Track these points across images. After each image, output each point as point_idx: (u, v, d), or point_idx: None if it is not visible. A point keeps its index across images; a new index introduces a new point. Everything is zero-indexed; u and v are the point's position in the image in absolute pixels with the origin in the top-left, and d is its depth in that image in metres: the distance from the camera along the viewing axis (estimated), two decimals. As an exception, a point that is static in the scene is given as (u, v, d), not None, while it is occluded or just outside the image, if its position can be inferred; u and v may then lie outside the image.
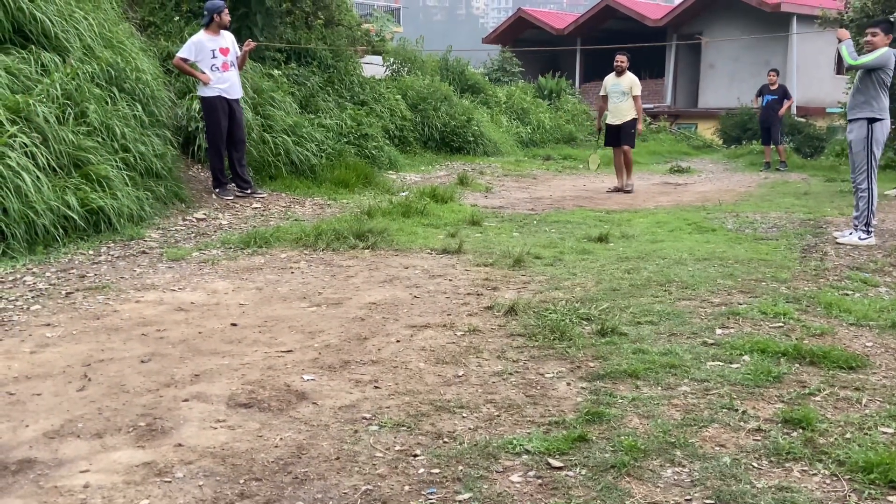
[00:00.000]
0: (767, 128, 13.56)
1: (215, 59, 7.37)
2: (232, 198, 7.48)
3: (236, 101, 7.55)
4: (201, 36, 7.44)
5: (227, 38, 7.59)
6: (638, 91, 10.10)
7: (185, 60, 7.37)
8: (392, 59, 14.82)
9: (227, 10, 7.58)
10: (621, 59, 10.09)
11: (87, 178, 5.73)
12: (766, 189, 10.37)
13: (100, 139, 6.19)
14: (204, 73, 7.31)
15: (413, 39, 16.83)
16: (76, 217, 5.41)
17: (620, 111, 10.06)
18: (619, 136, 10.16)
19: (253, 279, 4.74)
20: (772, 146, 13.67)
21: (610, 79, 10.24)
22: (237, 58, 7.60)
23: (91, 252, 5.27)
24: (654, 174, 12.99)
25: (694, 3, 25.25)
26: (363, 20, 16.92)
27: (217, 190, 7.54)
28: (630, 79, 10.06)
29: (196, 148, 8.15)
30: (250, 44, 7.86)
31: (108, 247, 5.45)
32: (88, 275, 4.73)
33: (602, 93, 10.38)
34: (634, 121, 10.09)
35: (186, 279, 4.71)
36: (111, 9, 7.71)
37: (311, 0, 11.20)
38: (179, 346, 3.50)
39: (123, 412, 2.75)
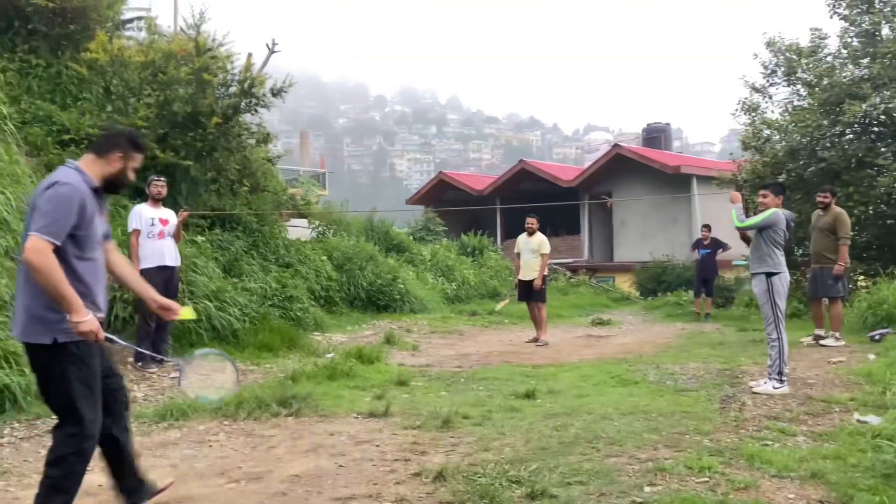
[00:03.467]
0: (704, 279, 14.23)
1: (153, 226, 7.50)
2: (156, 370, 7.24)
3: (173, 269, 7.58)
4: (142, 206, 7.64)
5: (168, 212, 7.80)
6: (546, 250, 10.78)
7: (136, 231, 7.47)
8: (317, 222, 15.12)
9: (155, 181, 7.74)
10: (531, 222, 10.90)
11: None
12: (684, 340, 10.72)
13: (8, 314, 5.97)
14: (139, 260, 7.35)
15: (338, 202, 17.32)
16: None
17: (531, 268, 10.72)
18: (530, 293, 10.72)
19: (167, 455, 4.50)
20: (701, 298, 14.29)
21: (522, 238, 11.03)
22: (174, 228, 7.70)
23: (-8, 433, 4.93)
24: (577, 327, 13.29)
25: (601, 167, 27.14)
26: (289, 185, 17.39)
27: (139, 363, 7.31)
28: (539, 239, 10.79)
29: (113, 318, 7.94)
30: (183, 213, 8.00)
31: (12, 427, 5.12)
32: (-13, 458, 4.40)
33: (516, 250, 11.14)
34: (545, 278, 10.76)
35: (95, 460, 4.43)
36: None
37: (237, 168, 11.50)
38: (84, 535, 3.24)
39: None
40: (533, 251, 10.73)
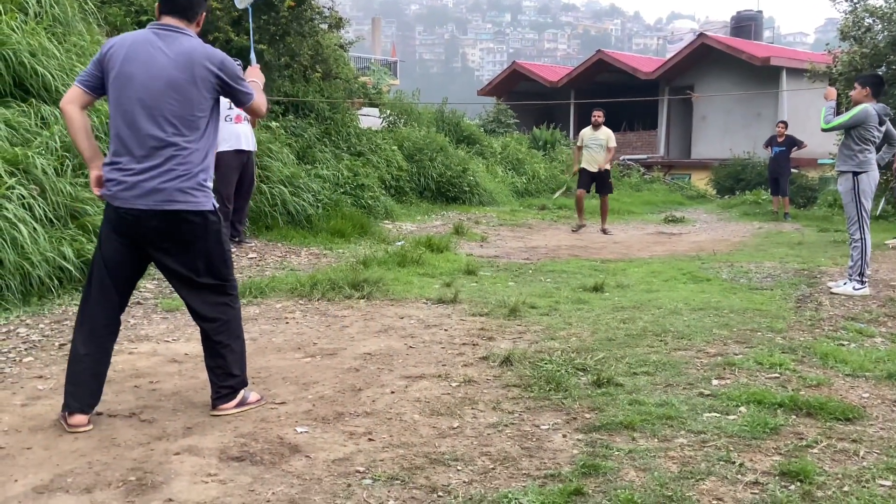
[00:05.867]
0: (776, 178, 13.67)
1: (231, 109, 7.36)
2: (234, 250, 7.50)
3: (249, 153, 7.64)
4: None
5: None
6: (614, 143, 11.03)
7: None
8: (388, 111, 15.03)
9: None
10: (598, 115, 11.01)
11: (83, 229, 5.75)
12: (760, 239, 10.44)
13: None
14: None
15: (409, 92, 17.10)
16: (72, 268, 5.41)
17: (598, 162, 10.93)
18: (592, 182, 11.15)
19: (248, 329, 4.71)
20: (779, 197, 13.79)
21: (587, 131, 11.11)
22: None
23: (86, 303, 5.25)
24: (648, 224, 13.07)
25: (685, 58, 25.77)
26: (360, 73, 17.23)
27: None
28: (606, 132, 10.95)
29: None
30: None
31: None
32: (82, 326, 4.71)
33: (579, 144, 11.29)
34: (608, 172, 11.09)
35: (180, 330, 4.70)
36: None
37: (310, 54, 11.41)
38: (172, 398, 3.47)
39: (114, 466, 2.72)
40: (601, 145, 10.85)
